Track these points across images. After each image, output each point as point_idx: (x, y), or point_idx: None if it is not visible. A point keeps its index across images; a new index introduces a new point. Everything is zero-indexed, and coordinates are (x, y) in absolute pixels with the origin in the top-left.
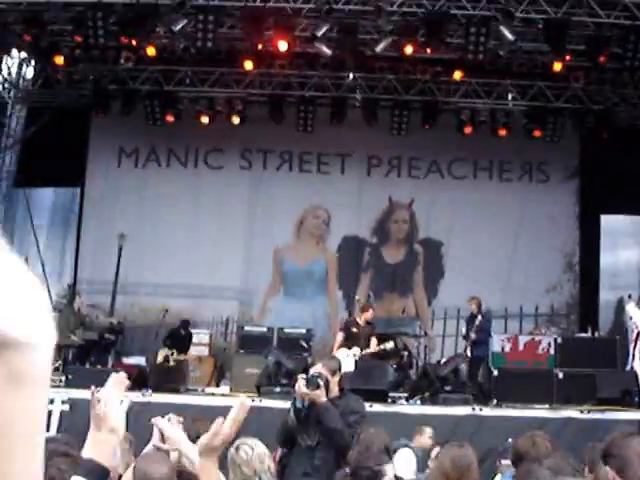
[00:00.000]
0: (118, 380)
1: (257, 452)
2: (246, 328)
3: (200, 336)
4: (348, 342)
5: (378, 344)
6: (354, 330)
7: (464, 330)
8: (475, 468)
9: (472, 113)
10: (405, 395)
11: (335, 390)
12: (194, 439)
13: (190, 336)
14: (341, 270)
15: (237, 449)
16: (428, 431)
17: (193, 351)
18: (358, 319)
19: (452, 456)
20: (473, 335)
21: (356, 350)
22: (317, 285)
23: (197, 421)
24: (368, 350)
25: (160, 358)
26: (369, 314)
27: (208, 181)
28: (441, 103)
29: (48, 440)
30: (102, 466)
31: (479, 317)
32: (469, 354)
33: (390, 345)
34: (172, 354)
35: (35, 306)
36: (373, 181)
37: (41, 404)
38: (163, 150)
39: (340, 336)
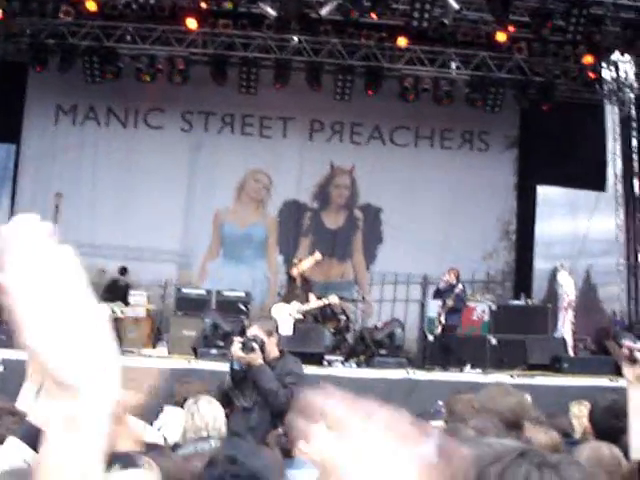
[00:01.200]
0: None
1: (212, 408)
2: (184, 290)
3: (137, 298)
4: (289, 296)
5: (318, 299)
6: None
7: (433, 298)
8: None
9: (415, 80)
10: (341, 358)
11: (274, 351)
12: (182, 400)
13: (128, 285)
14: (281, 234)
15: (196, 401)
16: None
17: (130, 312)
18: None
19: None
20: (451, 302)
21: (297, 305)
22: (257, 249)
23: (185, 383)
24: (310, 305)
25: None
26: (317, 256)
27: (148, 142)
28: (385, 69)
29: None
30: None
31: (459, 286)
32: (443, 321)
33: (334, 299)
34: (117, 305)
35: (92, 353)
36: (315, 146)
37: (93, 449)
38: (102, 108)
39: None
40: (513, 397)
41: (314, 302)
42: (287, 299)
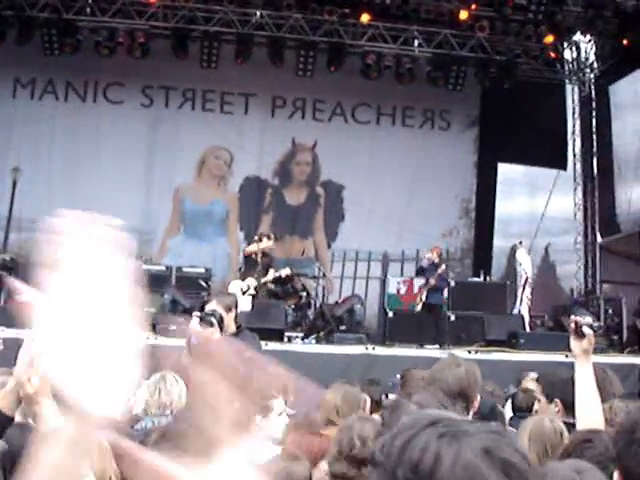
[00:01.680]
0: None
1: (180, 387)
2: (144, 267)
3: None
4: (246, 273)
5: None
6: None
7: (416, 276)
8: (366, 404)
9: (378, 57)
10: (301, 335)
11: (231, 326)
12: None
13: None
14: (242, 211)
15: (164, 377)
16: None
17: None
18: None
19: (344, 392)
20: (433, 281)
21: (251, 281)
22: (218, 226)
23: (164, 357)
24: (266, 278)
25: None
26: (266, 244)
27: (107, 116)
28: (347, 46)
29: None
30: (6, 415)
31: (442, 266)
32: (424, 299)
33: (286, 271)
34: None
35: (110, 384)
36: (277, 122)
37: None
38: (61, 82)
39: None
40: (462, 368)
41: (269, 275)
42: (244, 276)
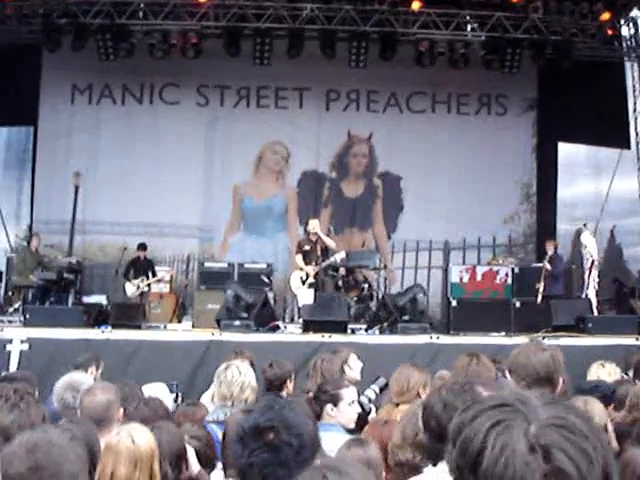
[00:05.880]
0: None
1: (242, 379)
2: (206, 264)
3: (161, 273)
4: (306, 260)
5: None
6: (307, 248)
7: (548, 266)
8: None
9: (430, 44)
10: (364, 326)
11: None
12: (273, 382)
13: (150, 261)
14: (301, 205)
15: (227, 367)
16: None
17: (154, 288)
18: (309, 236)
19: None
20: (548, 266)
21: (309, 269)
22: (277, 221)
23: (277, 363)
24: (323, 264)
25: (132, 290)
26: (311, 227)
27: (165, 117)
28: (399, 34)
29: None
30: None
31: (556, 255)
32: (541, 290)
33: (341, 255)
34: (142, 281)
35: None
36: (332, 115)
37: None
38: (117, 86)
39: (298, 258)
40: (547, 352)
41: (329, 259)
42: (306, 262)
